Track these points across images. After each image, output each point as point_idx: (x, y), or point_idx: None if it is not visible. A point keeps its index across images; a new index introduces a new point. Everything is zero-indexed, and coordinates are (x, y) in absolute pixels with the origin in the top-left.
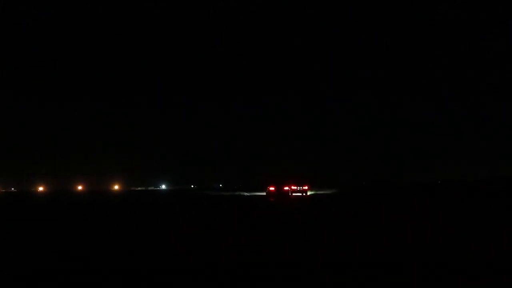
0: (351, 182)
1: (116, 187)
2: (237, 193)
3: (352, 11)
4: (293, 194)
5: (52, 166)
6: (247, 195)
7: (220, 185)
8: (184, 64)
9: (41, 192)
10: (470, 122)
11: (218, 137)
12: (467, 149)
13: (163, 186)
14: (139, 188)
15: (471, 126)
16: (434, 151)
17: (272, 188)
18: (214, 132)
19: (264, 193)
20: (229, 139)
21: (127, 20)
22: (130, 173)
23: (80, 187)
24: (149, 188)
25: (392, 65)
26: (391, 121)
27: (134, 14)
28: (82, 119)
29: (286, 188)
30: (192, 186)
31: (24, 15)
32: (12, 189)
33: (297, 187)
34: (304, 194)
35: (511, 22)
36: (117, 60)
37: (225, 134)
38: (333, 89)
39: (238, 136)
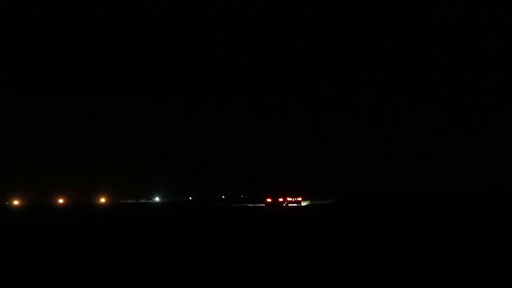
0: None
1: (103, 200)
2: (242, 204)
3: (352, 11)
4: (289, 204)
5: (31, 175)
6: (252, 206)
7: (223, 196)
8: (184, 64)
9: (16, 206)
10: (470, 122)
11: (218, 137)
12: (466, 149)
13: (157, 199)
14: (129, 201)
15: (471, 126)
16: (434, 151)
17: (269, 200)
18: (213, 132)
19: (264, 204)
20: (229, 139)
21: (127, 20)
22: (120, 182)
23: (61, 201)
24: (141, 201)
25: (392, 65)
26: (391, 121)
27: (134, 14)
28: (82, 120)
29: (281, 199)
30: (191, 198)
31: (24, 15)
32: None
33: (292, 198)
34: (298, 204)
35: (511, 22)
36: (117, 60)
37: (225, 134)
38: (333, 89)
39: (238, 136)
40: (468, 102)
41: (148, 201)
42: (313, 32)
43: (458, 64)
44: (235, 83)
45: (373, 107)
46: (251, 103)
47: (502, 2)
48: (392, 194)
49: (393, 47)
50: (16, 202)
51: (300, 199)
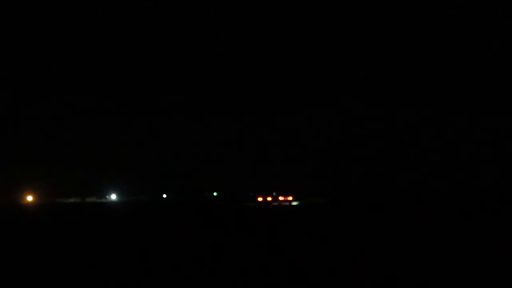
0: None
1: (30, 198)
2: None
3: (352, 11)
4: (281, 203)
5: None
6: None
7: (215, 194)
8: (184, 64)
9: None
10: (470, 122)
11: (217, 138)
12: (466, 150)
13: (113, 197)
14: (71, 200)
15: (470, 126)
16: (434, 151)
17: (260, 199)
18: (212, 132)
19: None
20: (228, 139)
21: (127, 20)
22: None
23: None
24: (88, 201)
25: (392, 65)
26: (391, 121)
27: (134, 14)
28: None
29: (270, 199)
30: (165, 195)
31: (24, 15)
32: None
33: (284, 198)
34: (289, 203)
35: (511, 22)
36: (117, 60)
37: (224, 135)
38: (333, 89)
39: (237, 136)
40: (468, 102)
41: (98, 201)
42: (313, 32)
43: (458, 64)
44: (234, 83)
45: (373, 107)
46: (251, 104)
47: (502, 2)
48: (382, 194)
49: (393, 47)
50: None
51: (291, 198)
